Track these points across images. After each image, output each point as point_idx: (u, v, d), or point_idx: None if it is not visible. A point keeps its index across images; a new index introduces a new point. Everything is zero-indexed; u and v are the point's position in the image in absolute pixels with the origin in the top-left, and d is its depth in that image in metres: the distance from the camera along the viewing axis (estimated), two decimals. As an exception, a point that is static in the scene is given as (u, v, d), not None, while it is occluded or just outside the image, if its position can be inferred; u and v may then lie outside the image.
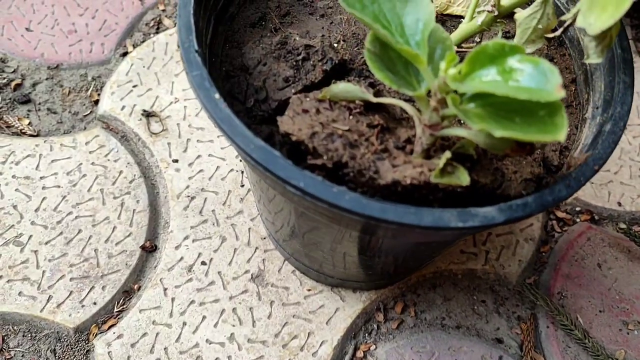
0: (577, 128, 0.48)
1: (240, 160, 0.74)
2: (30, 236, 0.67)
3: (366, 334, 0.65)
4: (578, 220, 0.74)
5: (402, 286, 0.68)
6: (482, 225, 0.35)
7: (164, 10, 0.88)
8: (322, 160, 0.37)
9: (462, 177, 0.35)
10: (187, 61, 0.40)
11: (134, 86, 0.79)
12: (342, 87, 0.41)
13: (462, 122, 0.43)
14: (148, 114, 0.76)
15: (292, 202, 0.45)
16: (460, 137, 0.38)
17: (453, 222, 0.34)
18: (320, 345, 0.63)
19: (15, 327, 0.63)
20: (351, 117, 0.41)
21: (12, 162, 0.72)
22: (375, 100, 0.40)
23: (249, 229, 0.69)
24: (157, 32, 0.85)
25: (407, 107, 0.38)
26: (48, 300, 0.64)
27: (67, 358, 0.62)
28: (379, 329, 0.65)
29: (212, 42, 0.49)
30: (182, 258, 0.67)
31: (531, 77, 0.30)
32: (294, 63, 0.47)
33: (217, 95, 0.38)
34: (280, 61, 0.47)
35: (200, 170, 0.73)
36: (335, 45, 0.49)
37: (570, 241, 0.72)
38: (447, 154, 0.36)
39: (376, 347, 0.64)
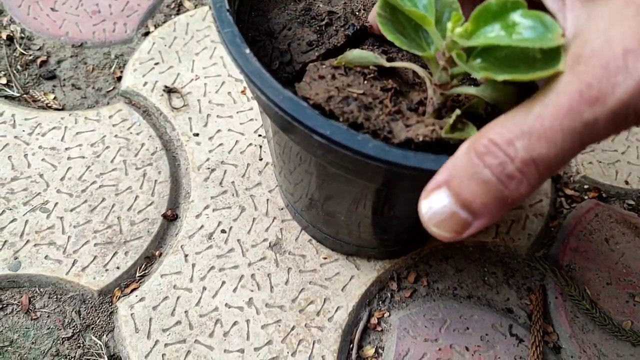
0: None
1: (259, 135, 0.76)
2: (56, 203, 0.70)
3: (380, 302, 0.67)
4: (586, 197, 0.76)
5: (414, 257, 0.70)
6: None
7: (184, -7, 0.91)
8: (339, 122, 0.39)
9: (472, 132, 0.37)
10: (220, 20, 0.42)
11: (156, 64, 0.81)
12: (356, 54, 0.43)
13: (471, 84, 0.45)
14: (169, 90, 0.78)
15: (315, 157, 0.47)
16: (469, 94, 0.40)
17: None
18: (336, 310, 0.65)
19: (41, 289, 0.66)
20: (365, 81, 0.43)
21: (39, 133, 0.75)
22: (388, 64, 0.42)
23: (267, 200, 0.71)
24: (177, 13, 0.88)
25: (418, 69, 0.40)
26: (73, 264, 0.66)
27: (92, 319, 0.64)
28: (392, 297, 0.67)
29: (239, 10, 0.51)
30: (202, 226, 0.69)
31: (533, 29, 0.32)
32: (318, 28, 0.49)
33: (247, 50, 0.40)
34: (305, 26, 0.49)
35: (220, 144, 0.75)
36: (357, 12, 0.51)
37: (578, 217, 0.74)
38: (457, 112, 0.38)
39: (390, 314, 0.66)
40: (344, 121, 0.39)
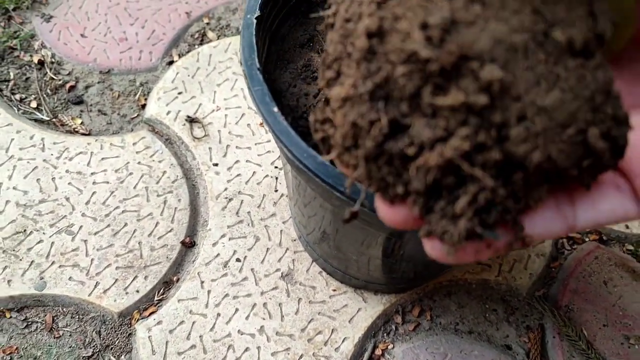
0: None
1: (276, 167, 0.79)
2: (81, 227, 0.73)
3: (385, 334, 0.70)
4: (587, 239, 0.79)
5: (419, 292, 0.73)
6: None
7: (208, 24, 0.94)
8: None
9: None
10: (250, 77, 0.46)
11: (179, 93, 0.85)
12: None
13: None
14: (191, 120, 0.82)
15: (334, 207, 0.50)
16: None
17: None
18: (343, 341, 0.68)
19: (64, 309, 0.69)
20: None
21: (66, 157, 0.78)
22: None
23: (281, 230, 0.75)
24: (201, 44, 0.92)
25: None
26: (95, 286, 0.70)
27: (111, 339, 0.68)
28: (396, 330, 0.71)
29: (266, 61, 0.55)
30: (218, 254, 0.73)
31: None
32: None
33: (275, 109, 0.44)
34: (307, 81, 0.53)
35: (238, 175, 0.79)
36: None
37: (579, 259, 0.77)
38: None
39: (394, 347, 0.69)
40: None
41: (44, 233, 0.73)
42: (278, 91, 0.53)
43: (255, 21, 0.49)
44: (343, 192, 0.40)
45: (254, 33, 0.49)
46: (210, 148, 0.80)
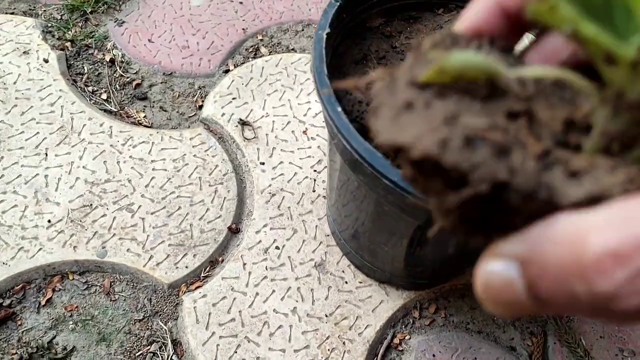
0: None
1: (315, 170, 0.89)
2: (140, 206, 0.83)
3: (403, 326, 0.78)
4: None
5: (436, 291, 0.81)
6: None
7: (261, 40, 1.05)
8: (473, 189, 0.20)
9: None
10: (319, 82, 0.55)
11: (233, 98, 0.95)
12: (460, 58, 0.24)
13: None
14: (243, 123, 0.91)
15: (376, 195, 0.59)
16: None
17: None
18: (366, 327, 0.76)
19: (121, 276, 0.78)
20: (479, 106, 0.24)
21: (130, 145, 0.88)
22: (514, 74, 0.24)
23: (316, 226, 0.84)
24: (254, 57, 1.02)
25: (575, 79, 0.24)
26: (150, 259, 0.78)
27: (160, 307, 0.76)
28: (414, 323, 0.79)
29: (327, 71, 0.64)
30: (260, 241, 0.81)
31: None
32: None
33: (339, 109, 0.53)
34: (361, 91, 0.62)
35: (281, 174, 0.88)
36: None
37: (582, 276, 0.85)
38: None
39: (410, 337, 0.77)
40: (480, 182, 0.21)
41: (107, 208, 0.82)
42: (337, 97, 0.62)
43: (325, 37, 0.59)
44: (391, 180, 0.49)
45: (324, 46, 0.58)
46: (258, 148, 0.90)
